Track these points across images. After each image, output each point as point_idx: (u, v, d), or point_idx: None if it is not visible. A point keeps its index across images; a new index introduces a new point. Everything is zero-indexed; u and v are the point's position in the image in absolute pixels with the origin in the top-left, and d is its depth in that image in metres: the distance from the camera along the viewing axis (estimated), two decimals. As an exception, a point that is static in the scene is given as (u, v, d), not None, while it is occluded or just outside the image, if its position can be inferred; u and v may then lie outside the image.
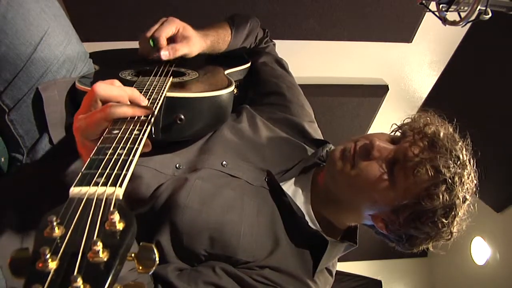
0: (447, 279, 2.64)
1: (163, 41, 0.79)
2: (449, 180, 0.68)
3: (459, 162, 0.70)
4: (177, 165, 0.76)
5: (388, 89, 1.91)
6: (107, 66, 0.92)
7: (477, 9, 0.69)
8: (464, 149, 0.72)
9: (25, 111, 0.76)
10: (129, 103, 0.56)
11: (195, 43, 0.84)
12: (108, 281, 0.29)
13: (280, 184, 0.78)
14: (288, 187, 0.81)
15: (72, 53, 0.80)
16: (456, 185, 0.69)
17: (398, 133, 0.81)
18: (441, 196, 0.68)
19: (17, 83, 0.73)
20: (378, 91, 1.91)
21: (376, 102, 1.94)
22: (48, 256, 0.29)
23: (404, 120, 0.82)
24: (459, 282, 2.51)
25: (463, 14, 0.74)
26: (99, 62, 0.91)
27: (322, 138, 0.96)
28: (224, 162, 0.77)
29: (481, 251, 2.26)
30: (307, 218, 0.77)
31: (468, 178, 0.71)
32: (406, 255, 2.83)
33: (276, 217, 0.75)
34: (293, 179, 0.83)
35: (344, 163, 0.75)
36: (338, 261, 0.85)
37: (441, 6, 0.76)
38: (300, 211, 0.76)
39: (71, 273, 0.29)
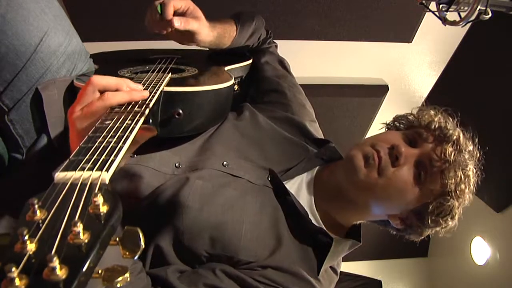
0: (447, 279, 2.64)
1: (170, 9, 0.77)
2: (474, 178, 0.76)
3: (473, 157, 0.77)
4: (176, 164, 0.76)
5: (388, 89, 1.90)
6: (107, 65, 0.92)
7: (477, 9, 0.69)
8: (472, 142, 0.79)
9: (25, 111, 0.76)
10: (126, 89, 0.58)
11: (204, 26, 0.83)
12: (87, 263, 0.28)
13: (283, 182, 0.78)
14: (291, 185, 0.81)
15: (72, 53, 0.80)
16: (474, 177, 0.76)
17: (401, 126, 0.85)
18: (467, 191, 0.75)
19: (17, 83, 0.73)
20: (378, 91, 1.91)
21: (376, 102, 1.94)
22: (26, 237, 0.28)
23: (409, 115, 0.85)
24: (459, 282, 2.50)
25: (463, 14, 0.73)
26: (99, 62, 0.91)
27: (323, 138, 0.96)
28: (225, 162, 0.77)
29: (481, 251, 2.26)
30: (310, 216, 0.77)
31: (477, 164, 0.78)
32: (406, 255, 2.83)
33: (279, 216, 0.75)
34: (296, 177, 0.83)
35: (369, 172, 0.74)
36: (338, 261, 0.85)
37: (441, 6, 0.76)
38: (304, 210, 0.76)
39: (48, 254, 0.27)
